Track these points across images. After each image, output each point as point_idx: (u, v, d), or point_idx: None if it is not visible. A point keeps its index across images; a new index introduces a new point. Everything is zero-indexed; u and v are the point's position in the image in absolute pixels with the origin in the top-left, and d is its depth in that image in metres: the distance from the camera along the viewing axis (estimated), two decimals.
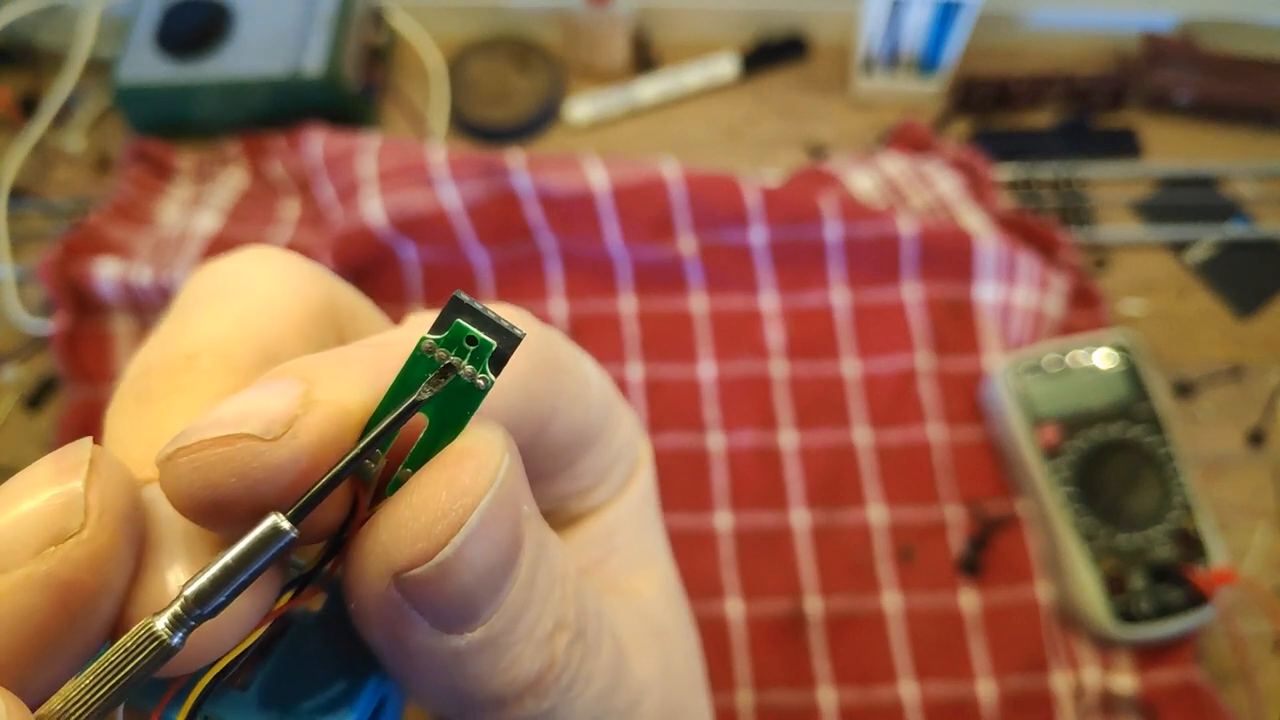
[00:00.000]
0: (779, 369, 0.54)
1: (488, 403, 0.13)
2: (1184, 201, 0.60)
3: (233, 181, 0.59)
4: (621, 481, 0.19)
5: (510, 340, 0.12)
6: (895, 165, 0.59)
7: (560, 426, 0.17)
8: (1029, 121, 0.64)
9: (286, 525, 0.11)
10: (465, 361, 0.12)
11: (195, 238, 0.54)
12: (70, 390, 0.52)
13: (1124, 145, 0.62)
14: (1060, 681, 0.47)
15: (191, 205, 0.57)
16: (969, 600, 0.49)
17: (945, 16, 0.59)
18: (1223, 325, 0.56)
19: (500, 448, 0.13)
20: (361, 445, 0.12)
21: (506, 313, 0.15)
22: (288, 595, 0.13)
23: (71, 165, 0.61)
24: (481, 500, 0.12)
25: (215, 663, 0.12)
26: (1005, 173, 0.60)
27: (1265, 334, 0.56)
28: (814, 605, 0.49)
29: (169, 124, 0.61)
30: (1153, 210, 0.60)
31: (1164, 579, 0.47)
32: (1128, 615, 0.46)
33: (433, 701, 0.14)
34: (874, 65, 0.63)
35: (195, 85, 0.59)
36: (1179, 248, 0.59)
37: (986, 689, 0.47)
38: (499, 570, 0.13)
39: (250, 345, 0.15)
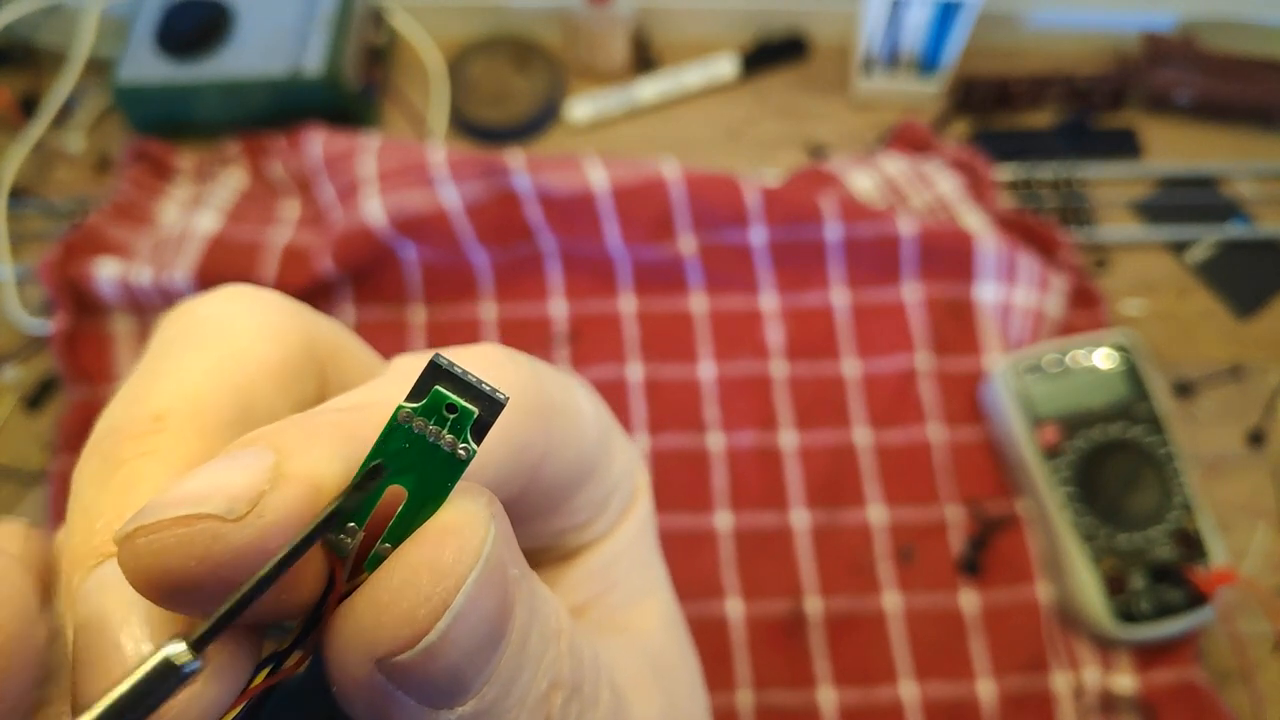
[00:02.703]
0: (779, 369, 0.54)
1: (475, 461, 0.12)
2: (1184, 201, 0.60)
3: (233, 181, 0.59)
4: (619, 512, 0.19)
5: (493, 407, 0.12)
6: (895, 165, 0.59)
7: (553, 468, 0.16)
8: (1029, 121, 0.64)
9: (185, 658, 0.10)
10: (445, 431, 0.12)
11: (195, 238, 0.54)
12: (70, 390, 0.52)
13: (1124, 145, 0.62)
14: (1060, 681, 0.47)
15: (191, 205, 0.57)
16: (969, 600, 0.49)
17: (945, 16, 0.59)
18: (1223, 325, 0.56)
19: (484, 520, 0.12)
20: (271, 566, 0.11)
21: (490, 355, 0.14)
22: (264, 673, 0.12)
23: (71, 165, 0.61)
24: (466, 579, 0.11)
25: None
26: (1005, 173, 0.60)
27: (1265, 334, 0.56)
28: (814, 605, 0.49)
29: (169, 124, 0.61)
30: (1153, 210, 0.60)
31: (1164, 579, 0.47)
32: (1128, 615, 0.46)
33: None
34: (874, 65, 0.63)
35: (195, 85, 0.59)
36: (1179, 248, 0.59)
37: (986, 689, 0.47)
38: (488, 644, 0.12)
39: (223, 399, 0.14)
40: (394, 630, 0.11)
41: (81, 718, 0.10)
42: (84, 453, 0.14)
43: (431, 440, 0.12)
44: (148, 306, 0.53)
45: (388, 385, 0.14)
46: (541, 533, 0.18)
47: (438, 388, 0.12)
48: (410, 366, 0.15)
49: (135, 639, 0.11)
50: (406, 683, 0.11)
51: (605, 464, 0.18)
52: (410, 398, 0.12)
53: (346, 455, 0.12)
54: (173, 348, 0.15)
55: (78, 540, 0.13)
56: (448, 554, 0.11)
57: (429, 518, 0.12)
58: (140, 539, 0.11)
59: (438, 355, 0.12)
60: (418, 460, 0.12)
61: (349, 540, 0.12)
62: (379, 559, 0.12)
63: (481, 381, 0.12)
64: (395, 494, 0.12)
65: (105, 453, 0.14)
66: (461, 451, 0.12)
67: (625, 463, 0.19)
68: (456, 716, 0.12)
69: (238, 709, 0.12)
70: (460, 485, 0.12)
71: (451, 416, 0.12)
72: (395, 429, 0.12)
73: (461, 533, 0.12)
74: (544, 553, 0.19)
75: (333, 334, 0.17)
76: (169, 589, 0.11)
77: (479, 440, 0.12)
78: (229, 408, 0.14)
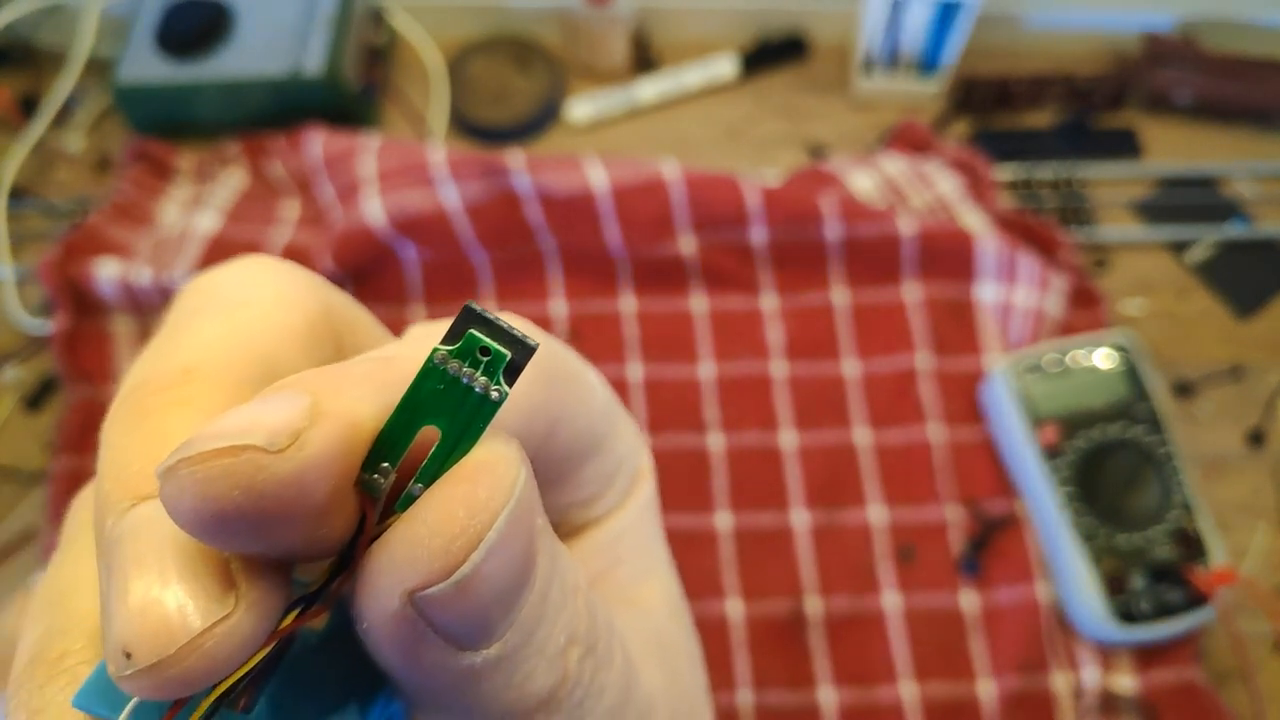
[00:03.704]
0: (779, 369, 0.54)
1: (497, 415, 0.12)
2: (1184, 201, 0.60)
3: (233, 181, 0.59)
4: (624, 491, 0.19)
5: (525, 351, 0.12)
6: (895, 165, 0.59)
7: (565, 435, 0.16)
8: (1029, 121, 0.64)
9: None
10: (479, 373, 0.12)
11: (195, 238, 0.54)
12: (70, 390, 0.52)
13: (1124, 145, 0.62)
14: (1060, 681, 0.47)
15: (191, 205, 0.57)
16: (969, 600, 0.49)
17: (945, 17, 0.59)
18: (1223, 325, 0.56)
19: (516, 461, 0.12)
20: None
21: (516, 323, 0.15)
22: (293, 614, 0.12)
23: (71, 165, 0.61)
24: (499, 516, 0.12)
25: (215, 686, 0.11)
26: (1005, 173, 0.60)
27: (1265, 334, 0.56)
28: (814, 605, 0.49)
29: (169, 124, 0.61)
30: (1153, 210, 0.60)
31: (1164, 579, 0.47)
32: (1128, 615, 0.46)
33: (441, 717, 0.14)
34: (874, 65, 0.63)
35: (195, 85, 0.59)
36: (1179, 248, 0.59)
37: (986, 689, 0.47)
38: (515, 586, 0.12)
39: (248, 358, 0.14)
40: (428, 562, 0.11)
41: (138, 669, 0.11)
42: (112, 408, 0.14)
43: (465, 382, 0.12)
44: (148, 306, 0.53)
45: (409, 345, 0.15)
46: (549, 506, 0.18)
47: (472, 331, 0.12)
48: (426, 333, 0.15)
49: (170, 578, 0.11)
50: (437, 618, 0.12)
51: (612, 438, 0.18)
52: (445, 340, 0.12)
53: (380, 398, 0.12)
54: (194, 313, 0.15)
55: (109, 485, 0.13)
56: (482, 490, 0.12)
57: (462, 458, 0.12)
58: (184, 470, 0.11)
59: (471, 302, 0.12)
60: (451, 402, 0.12)
61: (382, 481, 0.12)
62: (410, 499, 0.12)
63: (512, 327, 0.12)
64: (427, 437, 0.12)
65: (135, 403, 0.14)
66: (494, 393, 0.12)
67: (631, 441, 0.19)
68: (480, 660, 0.12)
69: (267, 649, 0.12)
70: (490, 429, 0.12)
71: (485, 359, 0.12)
72: (430, 371, 0.12)
73: (495, 470, 0.12)
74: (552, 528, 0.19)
75: (347, 306, 0.18)
76: (211, 520, 0.11)
77: (510, 383, 0.12)
78: (254, 366, 0.14)
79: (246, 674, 0.12)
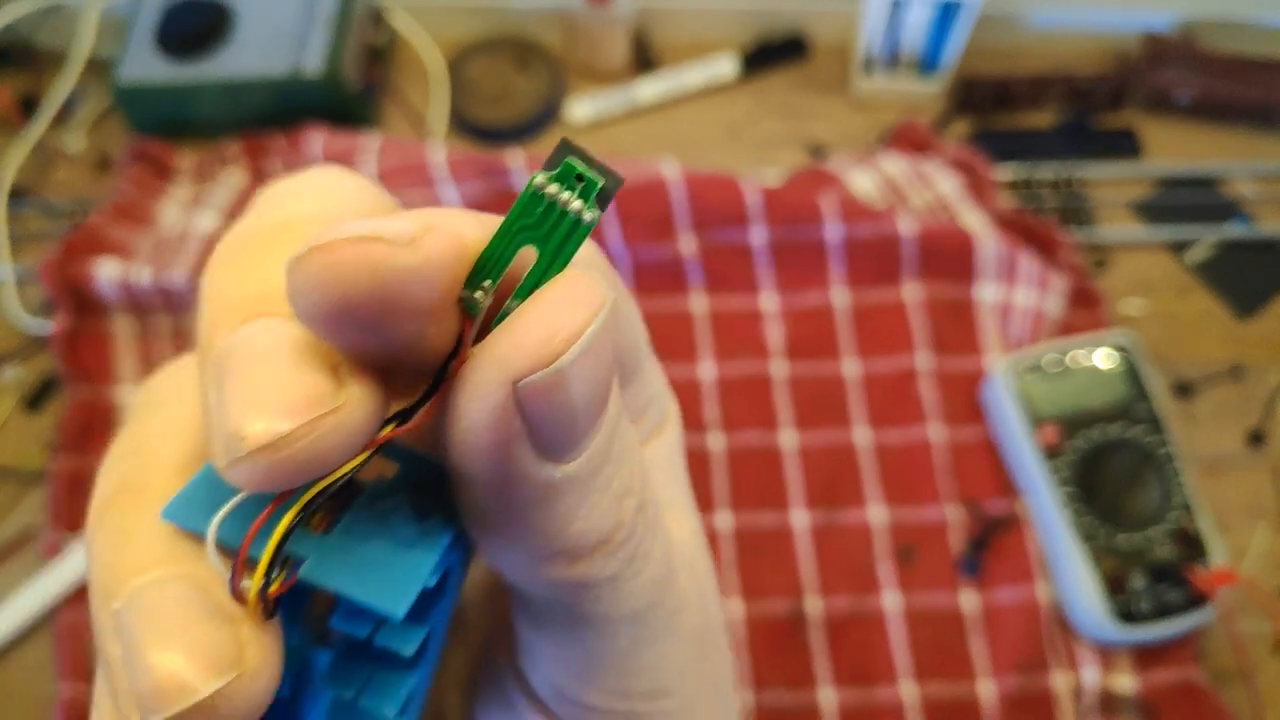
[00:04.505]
0: (779, 369, 0.54)
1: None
2: (1184, 201, 0.60)
3: (233, 181, 0.59)
4: (655, 427, 0.19)
5: (614, 180, 0.13)
6: (895, 165, 0.59)
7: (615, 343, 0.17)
8: (1029, 121, 0.64)
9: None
10: (574, 197, 0.13)
11: (195, 238, 0.54)
12: (70, 390, 0.52)
13: (1124, 145, 0.62)
14: (1060, 681, 0.47)
15: (191, 205, 0.57)
16: (969, 600, 0.49)
17: (945, 16, 0.59)
18: (1223, 325, 0.56)
19: (605, 280, 0.13)
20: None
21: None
22: (388, 428, 0.13)
23: (71, 165, 0.61)
24: (593, 321, 0.12)
25: (306, 490, 0.12)
26: (1005, 173, 0.60)
27: (1265, 334, 0.56)
28: (814, 605, 0.49)
29: (169, 124, 0.61)
30: (1153, 210, 0.60)
31: (1164, 579, 0.47)
32: (1128, 615, 0.46)
33: (504, 553, 0.14)
34: (874, 65, 0.63)
35: (195, 85, 0.59)
36: (1179, 248, 0.59)
37: (986, 689, 0.47)
38: (599, 398, 0.13)
39: (344, 216, 0.15)
40: (533, 349, 0.12)
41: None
42: (212, 260, 0.14)
43: (562, 205, 0.13)
44: (148, 306, 0.53)
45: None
46: None
47: (569, 159, 0.13)
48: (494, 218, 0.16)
49: (286, 370, 0.12)
50: (532, 411, 0.12)
51: (646, 371, 0.18)
52: (545, 168, 0.13)
53: (480, 226, 0.13)
54: (281, 195, 0.16)
55: (217, 313, 0.13)
56: (580, 295, 0.12)
57: (556, 275, 0.13)
58: (316, 256, 0.11)
59: (566, 136, 0.13)
60: (548, 224, 0.13)
61: (482, 298, 0.13)
62: (506, 316, 0.13)
63: (601, 161, 0.13)
64: (524, 257, 0.13)
65: (237, 250, 0.14)
66: (588, 215, 0.13)
67: (661, 383, 0.19)
68: (560, 475, 0.13)
69: (363, 457, 0.12)
70: (577, 259, 0.13)
71: (579, 185, 0.13)
72: (531, 196, 0.13)
73: (589, 282, 0.13)
74: None
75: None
76: (337, 305, 0.11)
77: (602, 208, 0.13)
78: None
79: (334, 481, 0.12)
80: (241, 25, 0.60)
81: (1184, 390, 0.54)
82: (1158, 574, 0.47)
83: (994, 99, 0.63)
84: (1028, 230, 0.56)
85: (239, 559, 0.12)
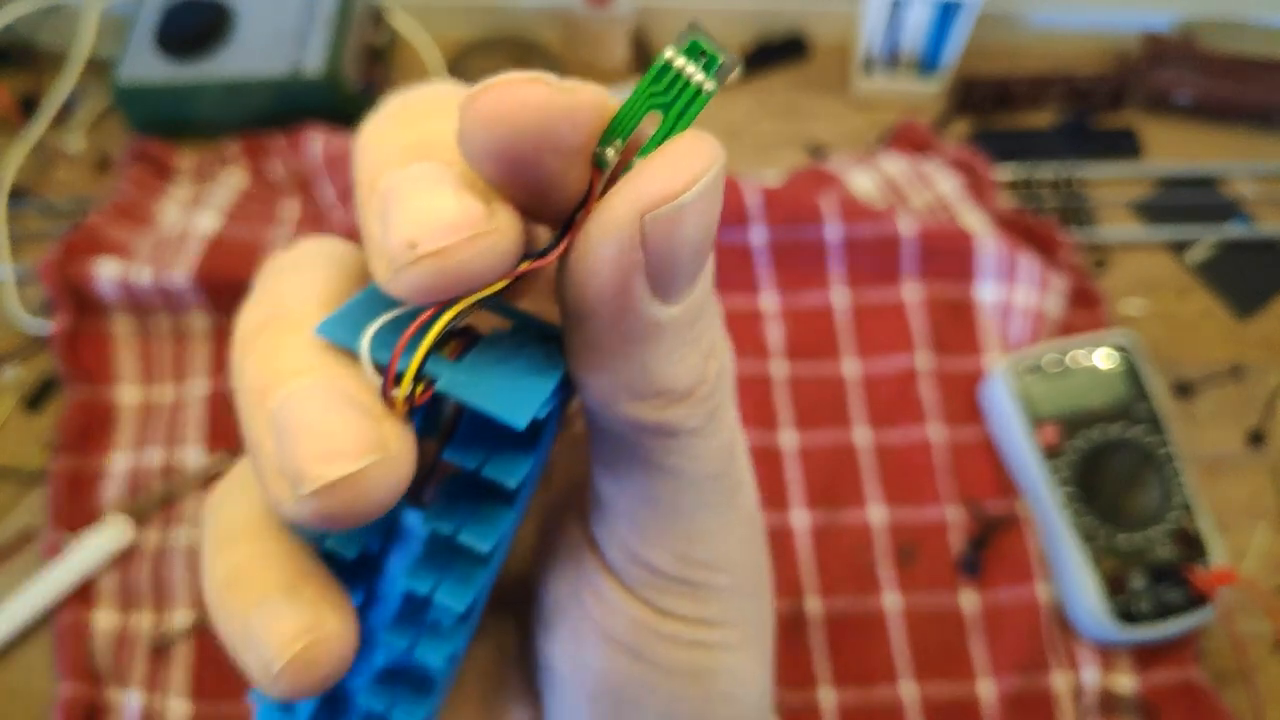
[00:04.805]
0: (779, 369, 0.54)
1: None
2: (1184, 201, 0.60)
3: (233, 181, 0.59)
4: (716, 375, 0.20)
5: (732, 59, 0.14)
6: (895, 165, 0.59)
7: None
8: (1029, 121, 0.64)
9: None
10: (698, 69, 0.14)
11: (195, 238, 0.54)
12: (70, 390, 0.52)
13: (1124, 145, 0.62)
14: (1060, 681, 0.47)
15: (191, 205, 0.57)
16: (969, 600, 0.49)
17: (945, 16, 0.59)
18: (1223, 325, 0.56)
19: (719, 144, 0.14)
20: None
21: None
22: (526, 262, 0.14)
23: (71, 165, 0.61)
24: (710, 170, 0.14)
25: (450, 307, 0.14)
26: (1005, 173, 0.60)
27: (1265, 334, 0.56)
28: (814, 605, 0.49)
29: (169, 124, 0.61)
30: (1153, 210, 0.60)
31: (1164, 579, 0.47)
32: (1128, 615, 0.46)
33: (605, 391, 0.16)
34: (874, 65, 0.63)
35: (195, 85, 0.59)
36: (1179, 248, 0.59)
37: (986, 689, 0.47)
38: (704, 246, 0.14)
39: None
40: (661, 185, 0.13)
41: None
42: (369, 123, 0.16)
43: (686, 77, 0.14)
44: (148, 306, 0.53)
45: None
46: None
47: (695, 38, 0.14)
48: None
49: (449, 192, 0.13)
50: (652, 245, 0.14)
51: (710, 315, 0.19)
52: (673, 45, 0.14)
53: (611, 95, 0.15)
54: (429, 85, 0.17)
55: (380, 155, 0.15)
56: (702, 147, 0.14)
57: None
58: (491, 92, 0.13)
59: (693, 20, 0.15)
60: (673, 92, 0.14)
61: (611, 155, 0.14)
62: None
63: (721, 44, 0.15)
64: (650, 121, 0.15)
65: (399, 109, 0.16)
66: (709, 85, 0.14)
67: (722, 334, 0.20)
68: (665, 316, 0.15)
69: (505, 283, 0.14)
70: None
71: (702, 60, 0.14)
72: (661, 68, 0.14)
73: (709, 139, 0.14)
74: None
75: None
76: (503, 136, 0.13)
77: (720, 82, 0.15)
78: None
79: (484, 298, 0.14)
80: (241, 25, 0.60)
81: (1184, 390, 0.54)
82: (1158, 574, 0.47)
83: (994, 99, 0.63)
84: (1028, 230, 0.56)
85: (391, 365, 0.14)
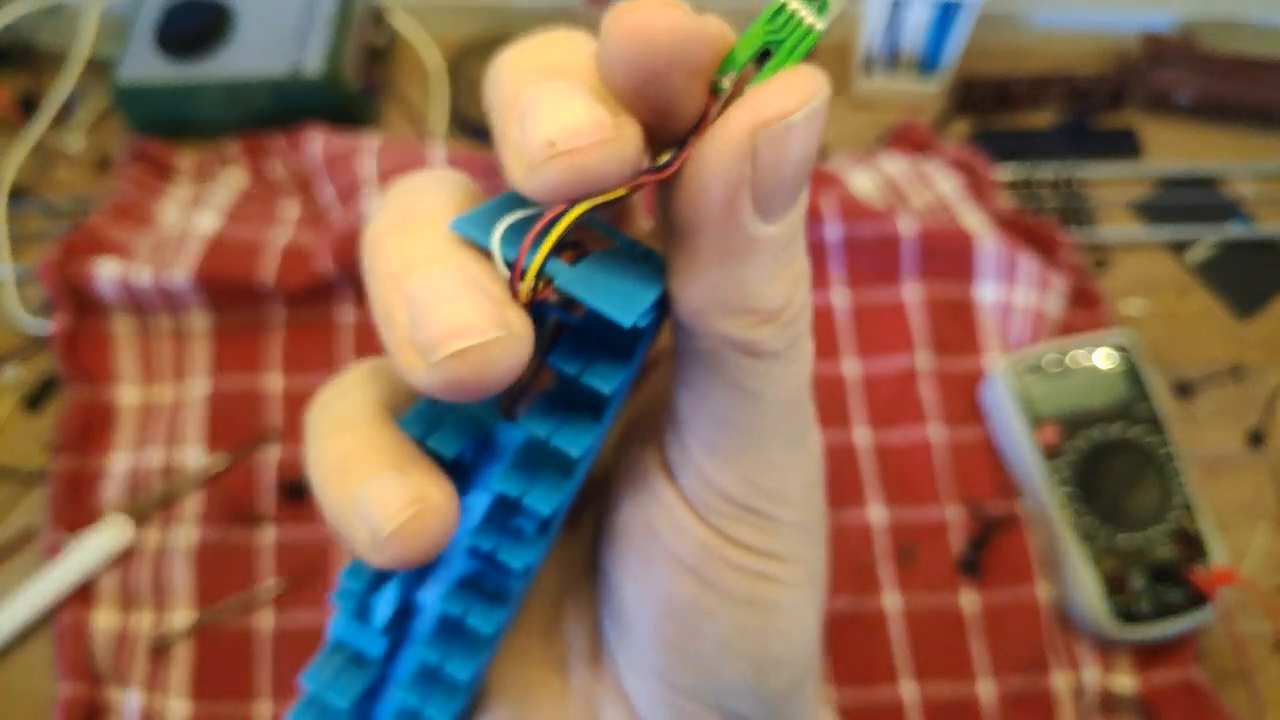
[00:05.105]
0: None
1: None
2: (1184, 201, 0.60)
3: (233, 181, 0.59)
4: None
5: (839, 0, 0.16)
6: (895, 165, 0.59)
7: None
8: (1029, 121, 0.64)
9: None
10: (810, 10, 0.16)
11: (195, 238, 0.54)
12: (70, 390, 0.52)
13: (1124, 145, 0.62)
14: (1060, 681, 0.47)
15: (191, 205, 0.57)
16: (969, 600, 0.49)
17: (945, 16, 0.59)
18: (1223, 325, 0.56)
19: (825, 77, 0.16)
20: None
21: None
22: (644, 176, 0.16)
23: (71, 165, 0.61)
24: (818, 96, 0.15)
25: (574, 208, 0.15)
26: (1005, 173, 0.60)
27: (1265, 334, 0.56)
28: None
29: (169, 124, 0.61)
30: (1153, 210, 0.60)
31: (1164, 579, 0.47)
32: (1128, 615, 0.46)
33: (698, 300, 0.16)
34: (874, 65, 0.63)
35: (195, 85, 0.59)
36: (1179, 248, 0.59)
37: (986, 689, 0.47)
38: (804, 170, 0.15)
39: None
40: (773, 105, 0.15)
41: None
42: (507, 53, 0.18)
43: (799, 17, 0.16)
44: (148, 306, 0.53)
45: None
46: None
47: None
48: None
49: (583, 100, 0.15)
50: (762, 161, 0.15)
51: (801, 242, 0.20)
52: None
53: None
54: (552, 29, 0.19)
55: (519, 75, 0.16)
56: (811, 76, 0.15)
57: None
58: (632, 11, 0.14)
59: None
60: (785, 30, 0.16)
61: (728, 84, 0.16)
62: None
63: None
64: (764, 56, 0.16)
65: (535, 42, 0.18)
66: (818, 24, 0.16)
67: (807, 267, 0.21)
68: (764, 234, 0.16)
69: (625, 191, 0.15)
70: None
71: (814, 2, 0.16)
72: (775, 10, 0.16)
73: (817, 72, 0.15)
74: None
75: None
76: (641, 50, 0.14)
77: (826, 23, 0.16)
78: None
79: (607, 201, 0.15)
80: (241, 25, 0.60)
81: (1184, 390, 0.54)
82: (1158, 574, 0.47)
83: (994, 99, 0.63)
84: (1028, 230, 0.56)
85: (518, 260, 0.15)
